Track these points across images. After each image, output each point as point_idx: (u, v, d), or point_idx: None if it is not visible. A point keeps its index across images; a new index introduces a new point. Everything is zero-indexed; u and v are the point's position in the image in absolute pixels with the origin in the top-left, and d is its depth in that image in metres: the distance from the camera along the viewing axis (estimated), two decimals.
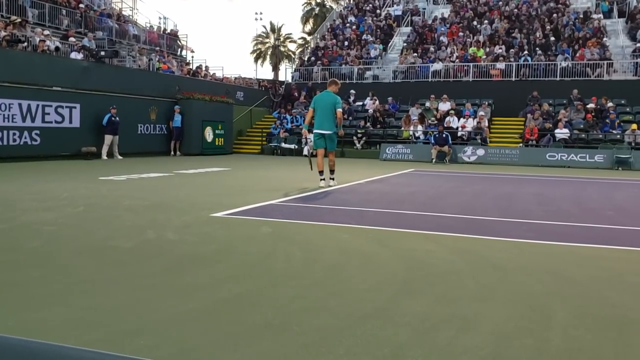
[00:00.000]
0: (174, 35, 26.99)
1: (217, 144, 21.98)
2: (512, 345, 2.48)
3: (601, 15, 27.34)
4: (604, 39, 25.34)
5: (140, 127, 19.14)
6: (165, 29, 27.14)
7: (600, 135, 20.30)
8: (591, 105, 21.53)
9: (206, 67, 25.50)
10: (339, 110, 9.51)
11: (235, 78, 27.83)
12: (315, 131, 9.68)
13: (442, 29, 28.98)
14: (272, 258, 4.19)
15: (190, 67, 25.22)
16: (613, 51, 24.71)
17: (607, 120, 20.69)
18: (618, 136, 20.02)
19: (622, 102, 22.16)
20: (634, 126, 20.00)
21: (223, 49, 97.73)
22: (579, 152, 19.29)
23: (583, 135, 20.52)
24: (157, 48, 24.14)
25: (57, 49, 17.06)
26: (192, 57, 29.55)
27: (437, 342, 2.48)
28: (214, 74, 25.99)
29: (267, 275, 3.67)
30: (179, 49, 27.18)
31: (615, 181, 13.27)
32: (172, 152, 20.14)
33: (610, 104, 21.41)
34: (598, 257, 4.49)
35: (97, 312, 2.86)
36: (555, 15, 27.76)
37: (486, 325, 2.72)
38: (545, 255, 4.49)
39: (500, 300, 3.19)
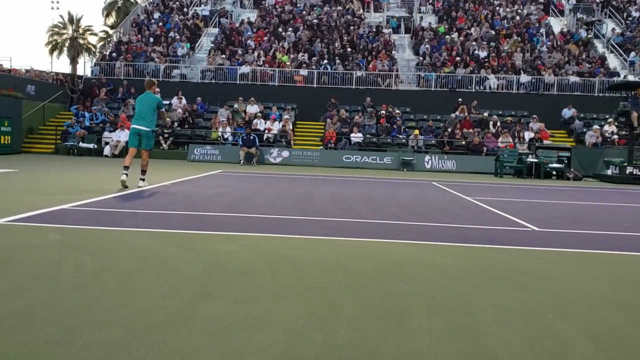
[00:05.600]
0: None
1: (2, 142, 19.83)
2: (302, 341, 2.60)
3: (391, 30, 30.26)
4: (393, 52, 28.11)
5: None
6: None
7: (389, 140, 22.57)
8: (382, 112, 23.81)
9: None
10: (163, 111, 10.12)
11: (27, 70, 25.15)
12: (132, 126, 9.69)
13: (249, 33, 29.43)
14: (59, 268, 3.84)
15: None
16: (400, 64, 27.54)
17: (395, 126, 23.11)
18: (403, 140, 22.48)
19: (407, 110, 24.93)
20: (416, 132, 22.66)
21: (12, 38, 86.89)
22: (371, 155, 21.33)
23: (374, 140, 22.60)
24: None
25: None
26: None
27: (230, 345, 2.50)
28: (1, 64, 23.34)
29: (50, 287, 3.35)
30: None
31: (400, 181, 14.80)
32: None
33: (397, 111, 23.95)
34: (383, 251, 4.94)
35: None
36: (352, 27, 29.98)
37: (279, 323, 2.82)
38: (337, 251, 4.82)
39: (295, 298, 3.33)
